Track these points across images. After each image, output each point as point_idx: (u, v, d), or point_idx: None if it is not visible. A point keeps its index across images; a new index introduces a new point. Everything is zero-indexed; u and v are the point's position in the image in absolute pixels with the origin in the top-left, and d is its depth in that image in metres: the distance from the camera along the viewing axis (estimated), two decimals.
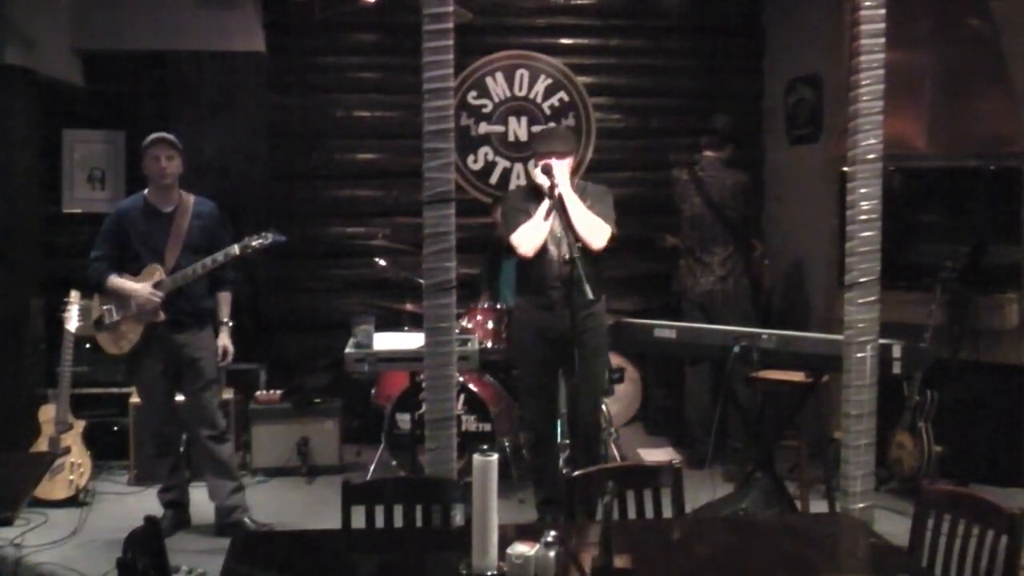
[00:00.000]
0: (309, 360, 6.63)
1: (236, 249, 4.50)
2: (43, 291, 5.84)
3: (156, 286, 4.49)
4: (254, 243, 4.51)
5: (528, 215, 4.43)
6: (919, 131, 5.72)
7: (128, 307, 4.54)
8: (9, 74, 5.43)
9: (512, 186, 6.77)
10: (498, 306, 5.52)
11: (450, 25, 3.20)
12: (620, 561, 2.33)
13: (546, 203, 4.35)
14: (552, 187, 4.31)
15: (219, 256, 4.49)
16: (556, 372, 4.66)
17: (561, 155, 4.44)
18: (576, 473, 3.02)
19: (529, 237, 4.42)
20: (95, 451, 5.17)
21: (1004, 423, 5.36)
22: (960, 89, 5.64)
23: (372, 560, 2.70)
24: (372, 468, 5.45)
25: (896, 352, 3.85)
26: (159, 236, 4.57)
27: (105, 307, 4.65)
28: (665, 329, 4.40)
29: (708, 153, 5.83)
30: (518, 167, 6.83)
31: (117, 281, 4.57)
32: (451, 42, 3.21)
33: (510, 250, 4.59)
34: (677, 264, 5.94)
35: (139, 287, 4.51)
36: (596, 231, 4.39)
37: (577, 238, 4.28)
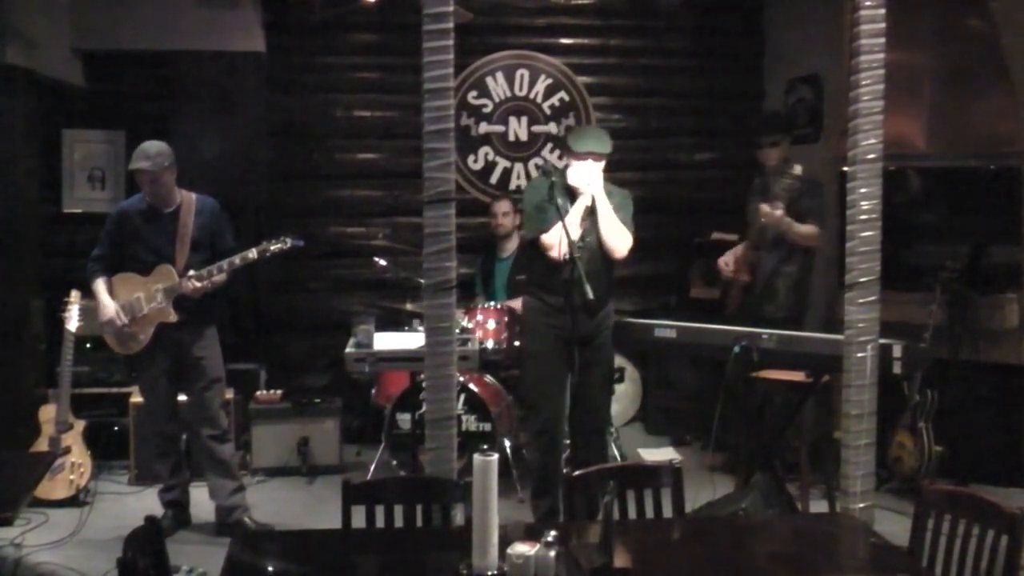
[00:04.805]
0: (309, 360, 6.64)
1: (254, 253, 4.45)
2: (43, 291, 5.84)
3: (169, 289, 4.48)
4: (273, 247, 4.44)
5: (556, 213, 4.16)
6: (919, 131, 5.73)
7: (140, 308, 4.54)
8: (9, 74, 5.43)
9: (512, 186, 6.78)
10: (497, 306, 5.52)
11: (450, 25, 3.20)
12: (620, 561, 2.33)
13: (580, 204, 4.21)
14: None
15: (236, 259, 4.45)
16: (567, 376, 4.42)
17: (599, 156, 4.27)
18: (576, 473, 3.02)
19: (564, 238, 4.16)
20: (95, 451, 5.17)
21: (1004, 423, 5.36)
22: (960, 89, 5.64)
23: (372, 560, 2.70)
24: (372, 468, 5.44)
25: (896, 352, 3.84)
26: (163, 237, 4.56)
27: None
28: (665, 329, 4.39)
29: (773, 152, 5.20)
30: (518, 167, 6.83)
31: (98, 288, 4.58)
32: (451, 42, 3.20)
33: (536, 248, 4.34)
34: (726, 287, 5.31)
35: (109, 306, 4.51)
36: (621, 239, 4.28)
37: (601, 243, 4.19)
